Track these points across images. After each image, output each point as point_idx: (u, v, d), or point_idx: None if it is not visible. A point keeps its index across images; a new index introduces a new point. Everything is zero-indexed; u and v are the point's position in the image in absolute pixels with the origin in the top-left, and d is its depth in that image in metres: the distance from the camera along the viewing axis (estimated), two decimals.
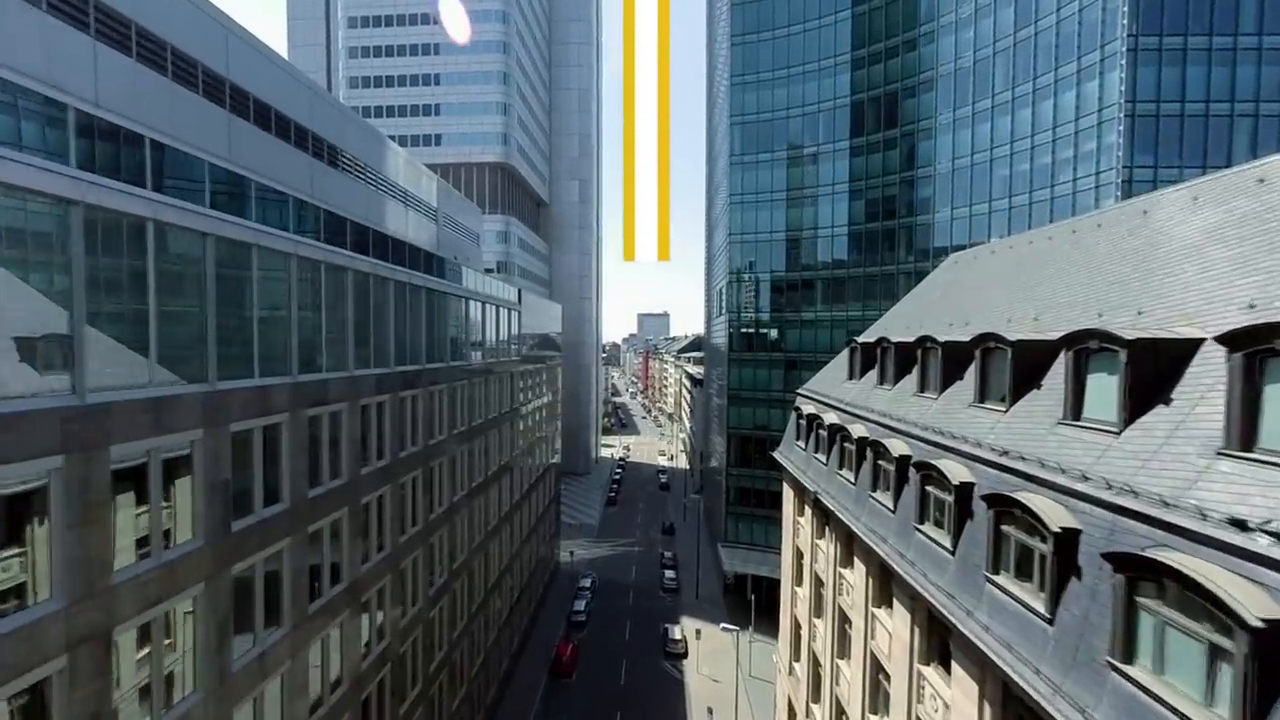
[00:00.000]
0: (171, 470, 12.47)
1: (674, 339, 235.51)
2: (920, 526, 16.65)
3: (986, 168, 41.77)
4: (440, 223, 50.40)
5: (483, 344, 36.55)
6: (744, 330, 58.25)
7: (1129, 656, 9.48)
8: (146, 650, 11.91)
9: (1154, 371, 11.30)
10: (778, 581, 54.12)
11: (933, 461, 16.11)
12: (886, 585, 19.60)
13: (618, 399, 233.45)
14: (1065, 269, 17.73)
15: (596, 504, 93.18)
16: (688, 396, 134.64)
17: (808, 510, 28.89)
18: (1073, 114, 35.63)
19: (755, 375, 56.87)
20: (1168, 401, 10.87)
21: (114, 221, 11.32)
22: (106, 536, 10.86)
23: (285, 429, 16.18)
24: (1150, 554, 9.21)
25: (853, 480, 22.18)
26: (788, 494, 33.26)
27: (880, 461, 19.96)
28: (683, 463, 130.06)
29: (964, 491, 14.68)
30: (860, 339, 26.26)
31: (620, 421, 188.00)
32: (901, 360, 22.11)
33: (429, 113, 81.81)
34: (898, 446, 18.68)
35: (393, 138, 52.90)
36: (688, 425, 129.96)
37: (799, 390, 32.56)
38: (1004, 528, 12.94)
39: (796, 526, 31.70)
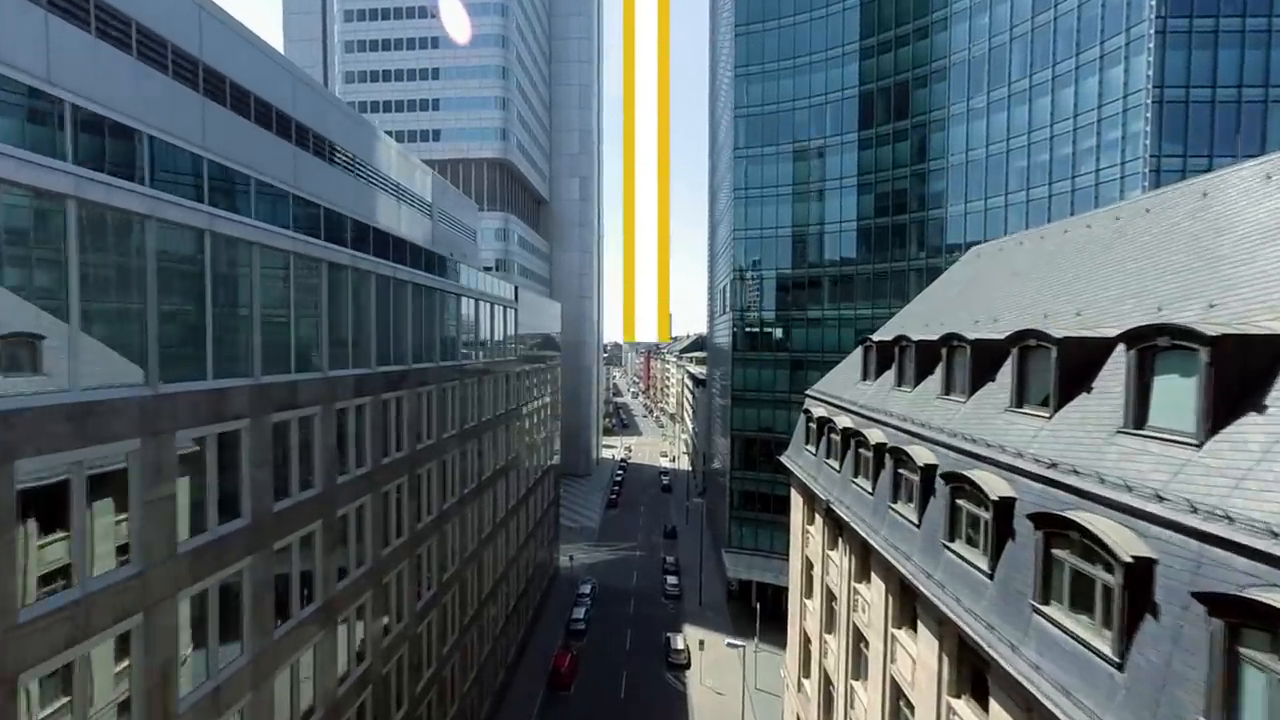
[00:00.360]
0: (101, 487, 10.89)
1: (676, 339, 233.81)
2: (950, 544, 15.01)
3: (1002, 159, 40.05)
4: (435, 218, 48.82)
5: (477, 343, 34.97)
6: (748, 329, 56.59)
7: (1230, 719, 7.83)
8: (67, 696, 10.32)
9: (1240, 374, 9.64)
10: (783, 589, 52.56)
11: (964, 472, 14.47)
12: (910, 606, 17.96)
13: (619, 399, 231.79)
14: (1110, 260, 16.06)
15: (597, 506, 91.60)
16: (690, 397, 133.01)
17: (818, 519, 27.25)
18: (1095, 101, 33.91)
19: (760, 375, 55.20)
20: (1261, 409, 9.20)
21: (25, 197, 9.75)
22: (12, 568, 9.28)
23: (246, 436, 14.59)
24: (1257, 595, 7.57)
25: (870, 489, 20.54)
26: (796, 501, 31.65)
27: (902, 470, 18.32)
28: (685, 464, 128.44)
29: (1004, 507, 13.04)
30: (875, 337, 24.62)
31: (622, 422, 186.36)
32: (923, 360, 20.45)
33: (426, 108, 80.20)
34: (922, 454, 17.05)
35: (389, 133, 51.29)
36: (690, 426, 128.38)
37: (808, 391, 30.93)
38: (1056, 552, 11.30)
39: (806, 535, 30.07)
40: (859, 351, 26.97)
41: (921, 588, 15.59)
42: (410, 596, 24.90)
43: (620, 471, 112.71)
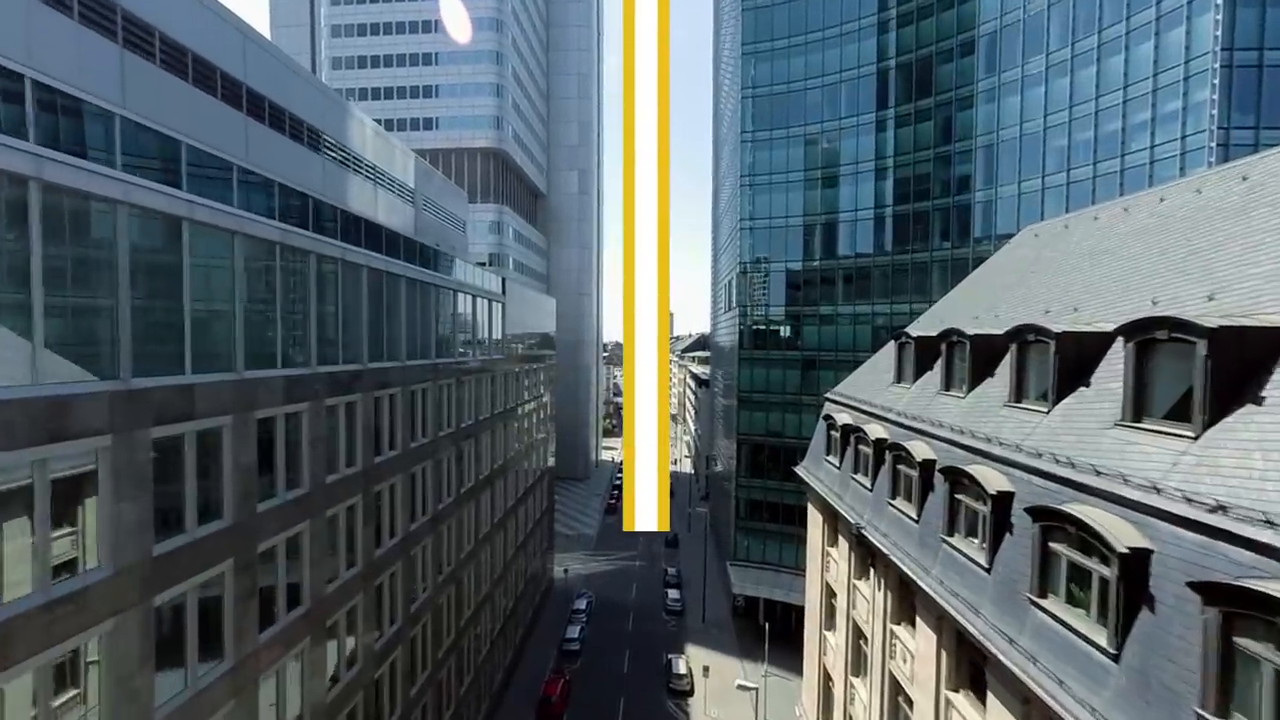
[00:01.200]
0: None
1: (678, 338, 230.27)
2: (1040, 601, 11.37)
3: (1039, 138, 36.30)
4: (419, 206, 45.22)
5: (455, 340, 31.28)
6: (755, 327, 52.88)
7: None
8: None
9: None
10: (794, 606, 48.71)
11: (1063, 508, 10.82)
12: (973, 666, 14.34)
13: (620, 399, 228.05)
14: (1248, 228, 12.35)
15: (595, 512, 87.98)
16: (692, 398, 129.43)
17: (843, 543, 23.61)
18: (1150, 69, 30.18)
19: (768, 376, 51.46)
20: None
21: None
22: None
23: (108, 458, 10.97)
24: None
25: (914, 516, 16.87)
26: (815, 518, 27.96)
27: (961, 496, 14.68)
28: (687, 467, 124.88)
29: (1135, 563, 9.39)
30: (915, 331, 20.95)
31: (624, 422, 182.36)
32: (980, 359, 16.78)
33: (415, 95, 76.54)
34: (991, 478, 13.37)
35: (379, 122, 47.61)
36: (692, 428, 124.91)
37: (828, 395, 27.31)
38: (1242, 641, 7.61)
39: (827, 559, 26.44)
40: (891, 349, 23.32)
41: (999, 654, 11.94)
42: (366, 636, 21.25)
43: (620, 475, 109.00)
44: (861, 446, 21.70)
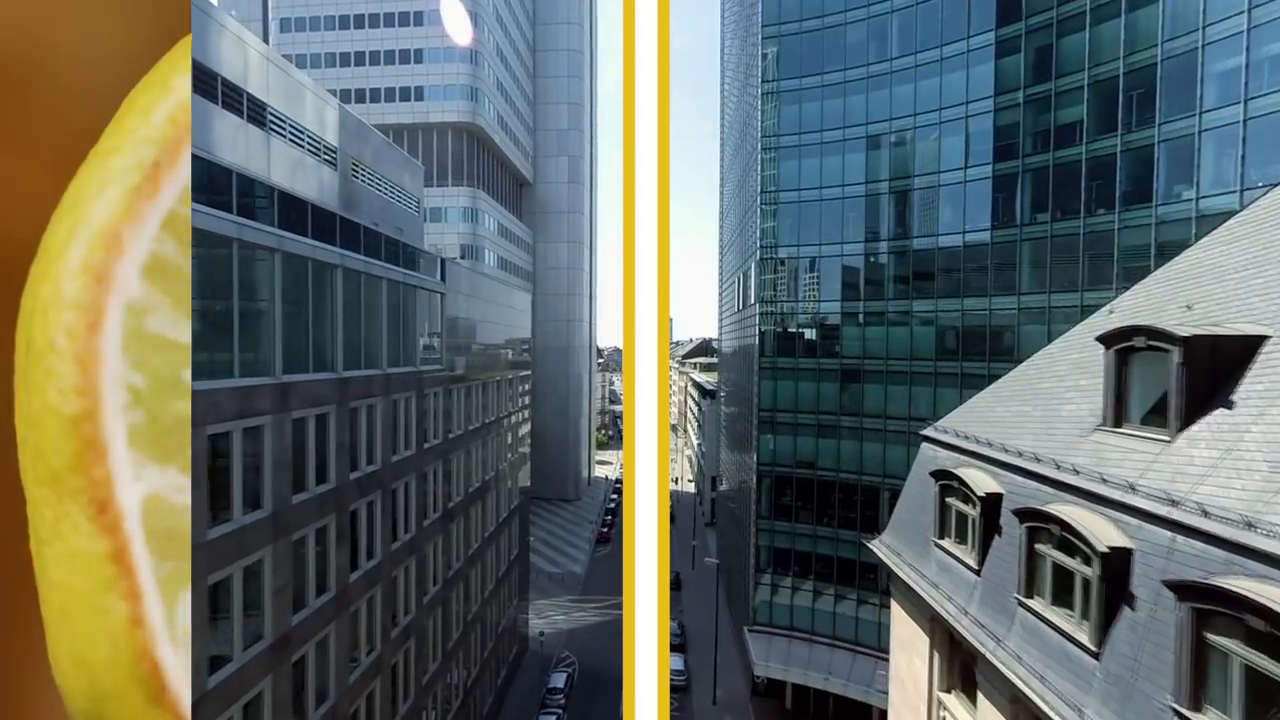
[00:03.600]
0: None
1: (678, 343, 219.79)
2: None
3: (1190, 62, 25.90)
4: (345, 171, 34.51)
5: (338, 346, 20.59)
6: (779, 329, 42.46)
7: None
8: None
9: None
10: (837, 697, 37.13)
11: None
12: None
13: (616, 407, 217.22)
14: None
15: (584, 541, 77.20)
16: (694, 408, 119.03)
17: (985, 703, 12.99)
18: None
19: (797, 390, 40.83)
20: None
21: None
22: None
23: None
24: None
25: None
26: (906, 631, 17.44)
27: None
28: (688, 486, 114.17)
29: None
30: (1180, 329, 10.37)
31: (620, 433, 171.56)
32: None
33: (375, 62, 66.34)
34: None
35: (333, 93, 37.00)
36: (695, 443, 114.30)
37: (932, 433, 17.06)
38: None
39: (937, 710, 15.90)
40: (1088, 358, 12.79)
41: None
42: None
43: (615, 495, 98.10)
44: (1046, 548, 11.14)
